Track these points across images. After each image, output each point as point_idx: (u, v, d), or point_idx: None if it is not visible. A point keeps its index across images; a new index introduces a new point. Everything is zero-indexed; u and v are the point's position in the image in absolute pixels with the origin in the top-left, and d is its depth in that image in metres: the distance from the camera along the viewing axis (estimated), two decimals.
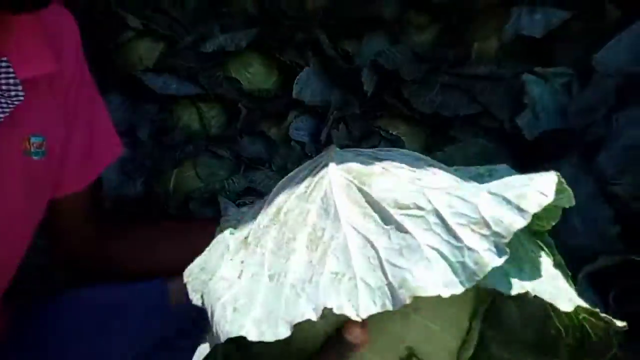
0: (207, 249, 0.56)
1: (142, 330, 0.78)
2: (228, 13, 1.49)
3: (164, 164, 1.27)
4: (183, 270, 0.73)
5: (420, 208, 0.44)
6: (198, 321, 0.75)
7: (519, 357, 0.55)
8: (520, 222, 0.42)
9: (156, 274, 0.81)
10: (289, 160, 1.33)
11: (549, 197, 0.43)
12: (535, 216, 0.43)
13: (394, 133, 1.34)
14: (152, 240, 0.83)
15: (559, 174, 0.48)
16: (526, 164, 1.17)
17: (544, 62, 1.26)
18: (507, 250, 0.41)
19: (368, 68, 1.32)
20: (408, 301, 0.39)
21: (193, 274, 0.53)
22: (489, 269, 0.40)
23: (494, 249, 0.41)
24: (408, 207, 0.45)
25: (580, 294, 0.76)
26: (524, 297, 0.45)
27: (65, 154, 0.74)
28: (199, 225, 0.74)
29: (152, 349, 0.79)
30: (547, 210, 0.46)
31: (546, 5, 1.22)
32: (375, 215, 0.46)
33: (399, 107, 1.33)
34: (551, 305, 0.46)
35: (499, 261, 0.40)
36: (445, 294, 0.39)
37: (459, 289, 0.39)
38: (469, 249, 0.41)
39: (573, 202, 0.51)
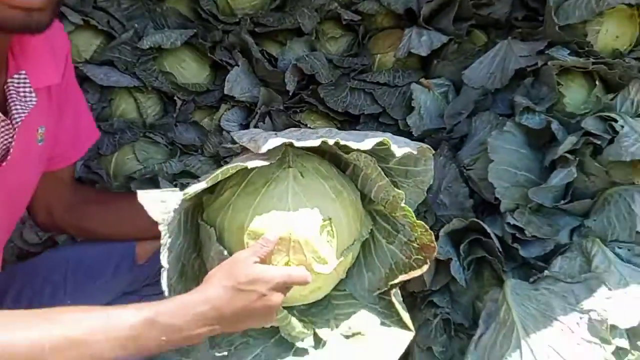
0: None
1: (114, 282, 0.96)
2: (161, 12, 1.62)
3: (104, 148, 1.40)
4: (147, 237, 0.95)
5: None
6: (159, 277, 0.94)
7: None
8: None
9: (124, 238, 0.98)
10: (219, 148, 1.52)
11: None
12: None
13: (311, 126, 1.59)
14: (123, 209, 0.98)
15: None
16: None
17: (429, 75, 1.58)
18: None
19: (290, 71, 1.54)
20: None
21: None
22: None
23: None
24: None
25: (441, 245, 1.08)
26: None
27: (57, 137, 0.89)
28: None
29: (122, 295, 0.96)
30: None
31: (430, 30, 1.54)
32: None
33: (315, 105, 1.58)
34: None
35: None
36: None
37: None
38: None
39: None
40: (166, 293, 0.72)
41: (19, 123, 0.74)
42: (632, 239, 1.00)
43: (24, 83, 0.75)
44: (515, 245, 1.11)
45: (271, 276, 0.71)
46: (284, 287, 0.74)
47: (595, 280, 0.93)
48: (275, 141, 0.76)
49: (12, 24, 0.65)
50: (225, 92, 1.51)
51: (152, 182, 1.38)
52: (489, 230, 1.11)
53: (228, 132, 1.53)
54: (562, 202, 1.12)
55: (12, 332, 0.58)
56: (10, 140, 0.74)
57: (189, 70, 1.58)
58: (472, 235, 1.13)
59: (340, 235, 0.82)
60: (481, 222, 1.12)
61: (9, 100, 0.74)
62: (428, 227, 0.85)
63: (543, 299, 0.95)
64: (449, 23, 1.53)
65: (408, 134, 1.53)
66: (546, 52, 1.28)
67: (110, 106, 1.46)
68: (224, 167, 0.76)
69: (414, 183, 0.91)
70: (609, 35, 1.30)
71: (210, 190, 0.85)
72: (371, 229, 0.92)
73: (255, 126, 1.51)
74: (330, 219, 0.81)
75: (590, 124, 1.11)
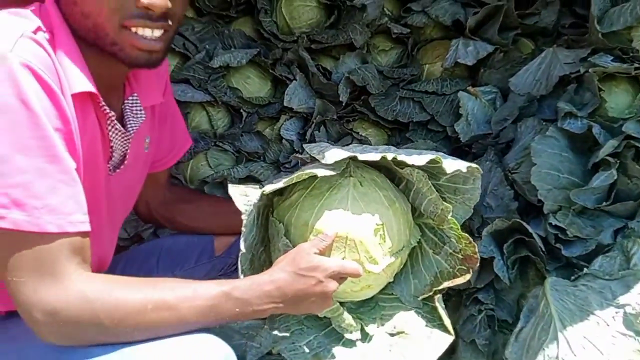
0: None
1: (195, 269, 1.15)
2: (229, 34, 1.81)
3: (182, 156, 1.59)
4: (225, 232, 1.12)
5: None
6: (234, 268, 1.11)
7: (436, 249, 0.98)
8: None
9: (206, 232, 1.17)
10: (280, 155, 1.67)
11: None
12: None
13: (363, 134, 1.71)
14: (207, 207, 1.17)
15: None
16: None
17: (476, 83, 1.65)
18: None
19: (343, 83, 1.67)
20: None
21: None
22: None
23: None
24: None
25: (484, 244, 1.16)
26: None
27: (159, 145, 1.09)
28: (230, 203, 1.02)
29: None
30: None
31: (477, 40, 1.61)
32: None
33: (367, 114, 1.70)
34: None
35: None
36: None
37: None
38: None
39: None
40: (240, 274, 0.87)
41: (132, 135, 0.93)
42: None
43: (136, 103, 0.94)
44: (557, 245, 1.17)
45: (328, 265, 0.83)
46: (338, 277, 0.85)
47: (632, 277, 0.97)
48: (340, 154, 0.88)
49: (137, 61, 0.84)
50: (285, 104, 1.67)
51: (222, 186, 1.56)
52: (530, 230, 1.17)
53: (287, 140, 1.69)
54: (605, 203, 1.16)
55: (127, 292, 0.75)
56: (127, 147, 0.93)
57: (253, 86, 1.75)
58: (516, 235, 1.19)
59: (391, 240, 0.92)
60: (523, 223, 1.18)
61: (125, 117, 0.93)
62: (472, 240, 0.93)
63: (581, 295, 1.00)
64: (495, 33, 1.59)
65: (456, 140, 1.61)
66: (589, 59, 1.32)
67: (186, 119, 1.65)
68: (298, 173, 0.89)
69: (462, 200, 0.98)
70: None
71: (280, 192, 0.99)
72: (419, 240, 1.00)
73: (312, 134, 1.66)
74: (383, 224, 0.90)
75: (631, 127, 1.14)
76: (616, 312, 0.94)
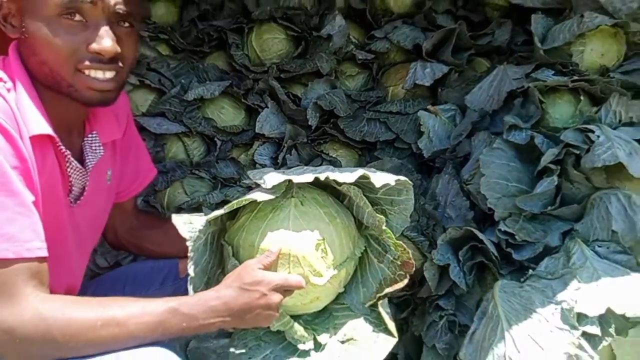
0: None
1: (161, 291, 1.20)
2: (203, 68, 1.92)
3: (159, 185, 1.67)
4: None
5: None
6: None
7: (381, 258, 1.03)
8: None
9: (171, 256, 1.23)
10: (252, 182, 1.75)
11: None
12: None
13: (333, 155, 1.79)
14: (173, 231, 1.20)
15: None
16: (427, 173, 1.63)
17: (437, 101, 1.74)
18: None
19: (311, 108, 1.76)
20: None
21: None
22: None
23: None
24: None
25: (441, 252, 1.22)
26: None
27: (122, 177, 1.17)
28: None
29: None
30: None
31: (433, 62, 1.70)
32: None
33: (336, 136, 1.78)
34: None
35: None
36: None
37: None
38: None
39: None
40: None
41: (91, 169, 1.00)
42: (609, 238, 1.09)
43: (95, 140, 1.02)
44: (508, 249, 1.23)
45: (271, 279, 0.89)
46: (282, 290, 0.90)
47: (569, 274, 1.02)
48: (278, 178, 0.95)
49: (91, 101, 0.93)
50: (257, 130, 1.75)
51: (198, 211, 1.63)
52: (481, 237, 1.23)
53: (261, 164, 1.77)
54: (550, 208, 1.22)
55: (79, 311, 0.81)
56: (85, 182, 1.00)
57: (227, 115, 1.84)
58: (471, 242, 1.25)
59: (333, 253, 0.98)
60: (474, 230, 1.24)
61: (84, 153, 1.01)
62: (406, 247, 1.00)
63: (526, 295, 1.06)
64: (449, 54, 1.69)
65: (421, 156, 1.69)
66: (532, 74, 1.40)
67: (163, 150, 1.74)
68: (239, 199, 0.96)
69: (399, 210, 1.05)
70: (594, 53, 1.41)
71: (232, 217, 1.06)
72: (366, 250, 1.06)
73: (284, 158, 1.74)
74: (324, 239, 0.96)
75: (569, 136, 1.22)
76: (555, 309, 0.99)
